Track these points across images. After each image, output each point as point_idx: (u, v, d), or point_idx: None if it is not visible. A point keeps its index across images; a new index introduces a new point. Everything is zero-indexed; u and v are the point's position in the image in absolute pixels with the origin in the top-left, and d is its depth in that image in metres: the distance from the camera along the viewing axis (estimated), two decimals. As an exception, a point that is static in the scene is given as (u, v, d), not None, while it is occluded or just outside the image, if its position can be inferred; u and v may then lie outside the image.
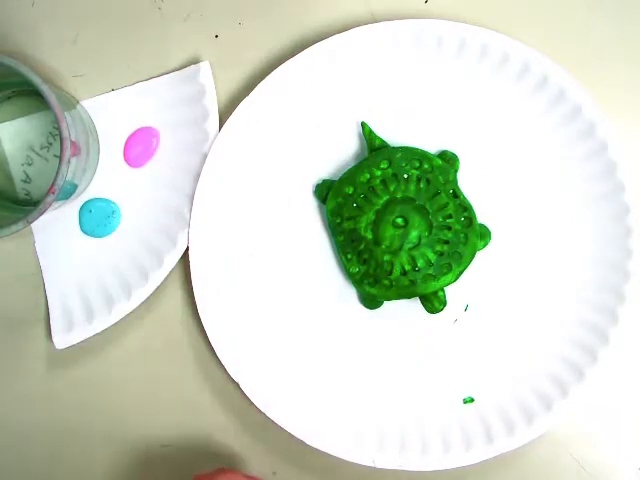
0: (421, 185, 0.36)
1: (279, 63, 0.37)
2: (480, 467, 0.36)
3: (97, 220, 0.39)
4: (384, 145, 0.37)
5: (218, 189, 0.37)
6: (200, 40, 0.39)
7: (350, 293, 0.38)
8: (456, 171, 0.37)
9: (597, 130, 0.36)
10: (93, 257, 0.39)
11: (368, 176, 0.37)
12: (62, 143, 0.33)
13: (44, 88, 0.33)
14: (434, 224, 0.36)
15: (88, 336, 0.38)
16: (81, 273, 0.39)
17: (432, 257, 0.36)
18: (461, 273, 0.36)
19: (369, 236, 0.36)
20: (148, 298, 0.38)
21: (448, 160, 0.37)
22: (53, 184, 0.33)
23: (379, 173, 0.37)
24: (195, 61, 0.38)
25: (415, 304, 0.38)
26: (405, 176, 0.36)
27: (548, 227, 0.38)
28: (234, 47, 0.39)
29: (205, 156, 0.37)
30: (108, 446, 0.39)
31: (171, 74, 0.39)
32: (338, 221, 0.37)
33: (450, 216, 0.36)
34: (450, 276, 0.36)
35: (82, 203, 0.39)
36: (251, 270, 0.38)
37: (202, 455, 0.39)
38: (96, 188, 0.39)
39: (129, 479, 0.39)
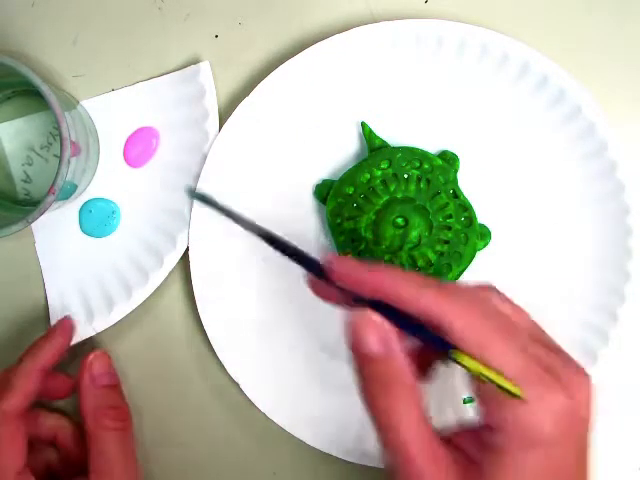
0: (421, 185, 0.36)
1: (279, 63, 0.37)
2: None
3: (97, 220, 0.39)
4: (384, 145, 0.37)
5: (218, 189, 0.37)
6: (200, 40, 0.39)
7: (350, 293, 0.38)
8: (456, 171, 0.37)
9: (597, 130, 0.36)
10: (93, 257, 0.39)
11: (368, 176, 0.37)
12: (62, 143, 0.33)
13: (44, 88, 0.33)
14: (434, 224, 0.36)
15: (88, 336, 0.38)
16: (81, 273, 0.39)
17: (432, 257, 0.36)
18: (461, 273, 0.36)
19: (369, 236, 0.36)
20: (148, 298, 0.38)
21: (448, 160, 0.37)
22: (53, 184, 0.33)
23: (379, 173, 0.37)
24: (195, 61, 0.38)
25: (415, 304, 0.37)
26: (405, 176, 0.36)
27: (548, 227, 0.38)
28: (234, 47, 0.39)
29: (205, 156, 0.37)
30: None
31: (171, 74, 0.38)
32: (338, 221, 0.37)
33: (450, 216, 0.36)
34: (450, 276, 0.36)
35: (82, 203, 0.39)
36: (251, 270, 0.38)
37: (202, 455, 0.39)
38: (96, 188, 0.39)
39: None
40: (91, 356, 0.35)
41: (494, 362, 0.24)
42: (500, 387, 0.23)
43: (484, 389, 0.24)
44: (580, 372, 0.25)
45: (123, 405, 0.36)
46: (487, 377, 0.23)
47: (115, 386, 0.36)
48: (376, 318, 0.25)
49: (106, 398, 0.35)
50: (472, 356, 0.24)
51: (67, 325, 0.36)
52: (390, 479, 0.25)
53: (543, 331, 0.27)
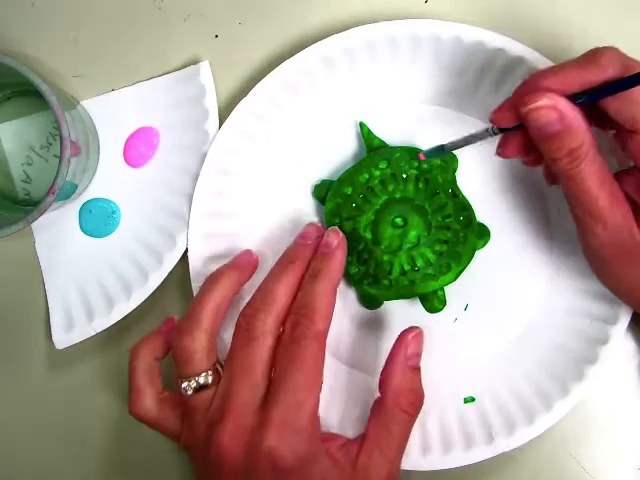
0: (420, 185, 0.36)
1: (279, 63, 0.37)
2: (480, 467, 0.36)
3: (97, 220, 0.39)
4: (383, 145, 0.37)
5: (218, 189, 0.37)
6: (200, 40, 0.39)
7: (350, 293, 0.38)
8: (455, 171, 0.37)
9: (595, 129, 0.36)
10: (93, 257, 0.39)
11: (367, 176, 0.37)
12: (62, 143, 0.33)
13: (44, 88, 0.33)
14: (433, 224, 0.36)
15: (88, 336, 0.38)
16: (81, 273, 0.39)
17: (431, 257, 0.36)
18: (460, 273, 0.36)
19: (368, 236, 0.36)
20: (148, 298, 0.38)
21: (446, 160, 0.37)
22: (53, 184, 0.33)
23: (378, 173, 0.37)
24: (195, 61, 0.39)
25: (415, 304, 0.37)
26: (404, 176, 0.36)
27: (547, 227, 0.38)
28: (234, 47, 0.39)
29: (205, 156, 0.37)
30: (108, 446, 0.39)
31: (171, 74, 0.39)
32: (337, 221, 0.37)
33: (449, 216, 0.36)
34: (450, 276, 0.36)
35: (82, 203, 0.39)
36: (251, 270, 0.38)
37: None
38: (96, 188, 0.39)
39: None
40: (411, 335, 0.34)
41: None
42: None
43: None
44: None
45: (422, 392, 0.34)
46: None
47: (419, 370, 0.34)
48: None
49: (411, 381, 0.33)
50: None
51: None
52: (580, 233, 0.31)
53: None
